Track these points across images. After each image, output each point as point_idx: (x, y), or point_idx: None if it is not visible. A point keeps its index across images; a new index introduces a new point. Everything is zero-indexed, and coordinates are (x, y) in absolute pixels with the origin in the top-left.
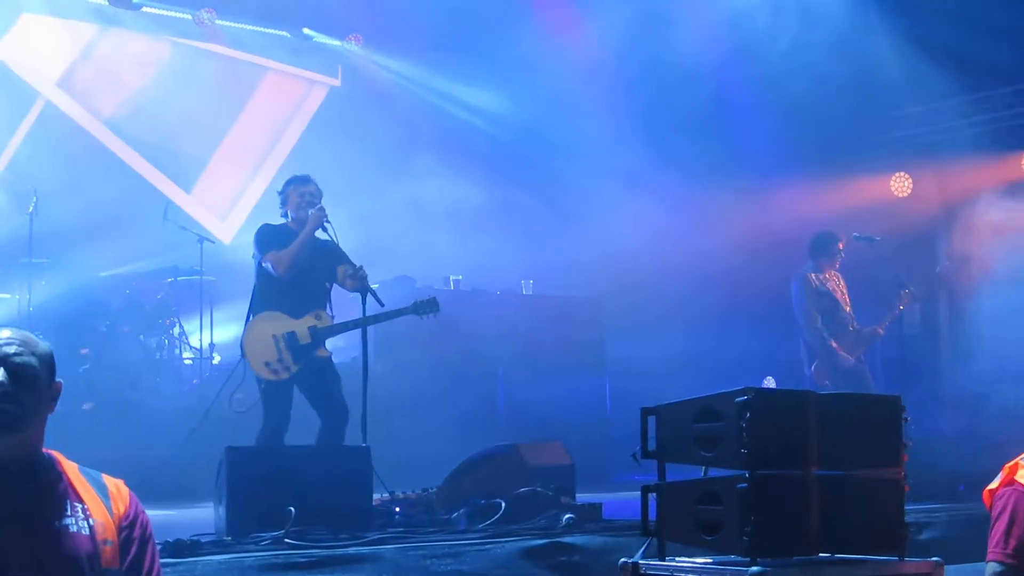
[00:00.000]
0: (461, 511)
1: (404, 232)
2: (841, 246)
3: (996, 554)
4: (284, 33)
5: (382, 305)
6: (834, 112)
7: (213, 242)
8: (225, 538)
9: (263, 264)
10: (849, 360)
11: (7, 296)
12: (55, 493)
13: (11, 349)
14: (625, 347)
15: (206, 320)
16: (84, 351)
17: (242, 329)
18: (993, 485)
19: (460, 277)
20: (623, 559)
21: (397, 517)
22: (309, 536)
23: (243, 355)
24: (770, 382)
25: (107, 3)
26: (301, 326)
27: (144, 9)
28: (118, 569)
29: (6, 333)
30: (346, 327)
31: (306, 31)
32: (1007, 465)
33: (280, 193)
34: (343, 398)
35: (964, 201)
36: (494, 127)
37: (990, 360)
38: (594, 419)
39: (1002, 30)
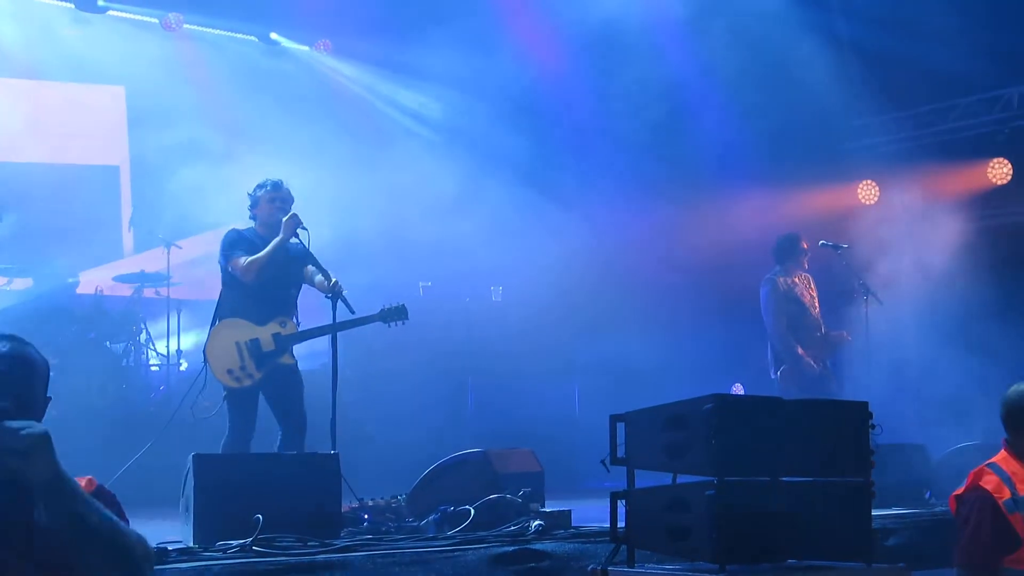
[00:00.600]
0: (430, 518)
1: (374, 236)
2: (805, 245)
3: (963, 559)
4: (252, 38)
5: (352, 312)
6: (801, 120)
7: (180, 247)
8: (192, 546)
9: (229, 270)
10: (814, 368)
11: None
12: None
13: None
14: (594, 354)
15: (173, 326)
16: (53, 362)
17: (206, 335)
18: (959, 491)
19: (430, 284)
20: (592, 566)
21: (366, 524)
22: (277, 544)
23: (205, 362)
24: (738, 389)
25: (73, 7)
26: (265, 333)
27: (110, 12)
28: None
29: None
30: (312, 334)
31: (274, 36)
32: (972, 471)
33: (251, 195)
34: (303, 408)
35: (928, 210)
36: (463, 128)
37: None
38: (563, 426)
39: (966, 41)
